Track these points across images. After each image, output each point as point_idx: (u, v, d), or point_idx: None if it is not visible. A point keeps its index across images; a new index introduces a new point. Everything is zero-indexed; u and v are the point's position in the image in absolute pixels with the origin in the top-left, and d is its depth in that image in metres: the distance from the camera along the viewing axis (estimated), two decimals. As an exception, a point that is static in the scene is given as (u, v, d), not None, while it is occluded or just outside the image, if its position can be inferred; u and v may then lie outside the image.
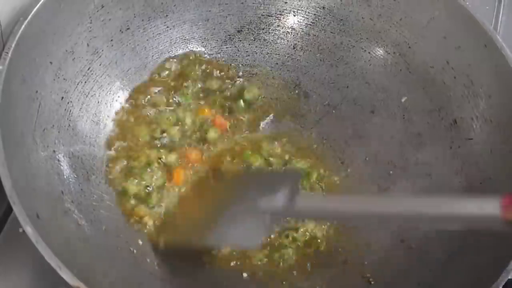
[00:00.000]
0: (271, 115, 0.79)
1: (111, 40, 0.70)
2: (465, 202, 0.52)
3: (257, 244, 0.65)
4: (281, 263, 0.68)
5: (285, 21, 0.80)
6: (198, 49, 0.78)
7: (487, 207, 0.49)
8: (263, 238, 0.65)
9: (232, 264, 0.67)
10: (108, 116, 0.69)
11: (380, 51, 0.77)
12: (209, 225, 0.63)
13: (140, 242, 0.64)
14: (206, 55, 0.78)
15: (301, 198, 0.60)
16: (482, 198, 0.51)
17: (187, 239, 0.65)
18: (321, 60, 0.79)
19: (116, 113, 0.71)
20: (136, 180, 0.67)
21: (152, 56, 0.75)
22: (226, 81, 0.78)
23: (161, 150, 0.70)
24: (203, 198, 0.69)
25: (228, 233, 0.62)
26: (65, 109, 0.64)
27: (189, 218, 0.67)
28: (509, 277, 0.54)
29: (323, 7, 0.78)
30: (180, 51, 0.77)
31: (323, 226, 0.71)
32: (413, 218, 0.55)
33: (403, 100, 0.75)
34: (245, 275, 0.66)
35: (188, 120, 0.74)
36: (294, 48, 0.80)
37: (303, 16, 0.79)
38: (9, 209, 0.63)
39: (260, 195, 0.61)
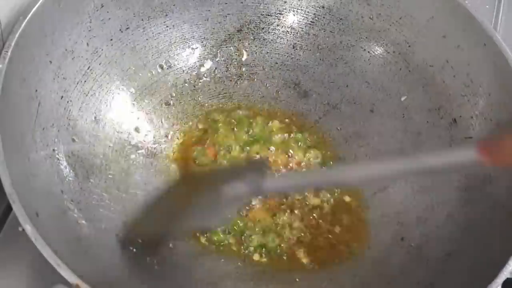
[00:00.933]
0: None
1: (111, 39, 0.70)
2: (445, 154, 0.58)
3: (216, 224, 0.68)
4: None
5: (285, 21, 0.80)
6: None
7: (464, 155, 0.54)
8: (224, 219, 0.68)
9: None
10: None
11: (379, 50, 0.77)
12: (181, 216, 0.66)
13: (140, 241, 0.64)
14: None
15: (268, 181, 0.64)
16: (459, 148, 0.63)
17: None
18: (320, 59, 0.79)
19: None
20: None
21: (152, 55, 0.75)
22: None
23: None
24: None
25: (194, 219, 0.66)
26: (64, 108, 0.64)
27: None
28: (508, 276, 0.54)
29: (323, 6, 0.78)
30: (180, 51, 0.77)
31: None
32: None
33: (402, 99, 0.75)
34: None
35: None
36: (293, 48, 0.80)
37: (302, 16, 0.79)
38: (9, 208, 0.63)
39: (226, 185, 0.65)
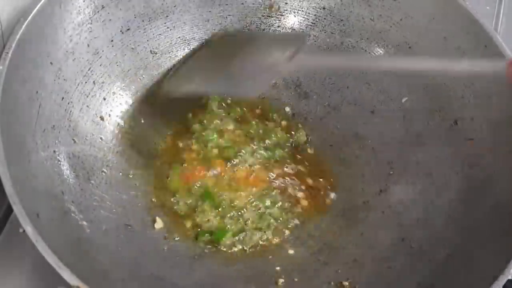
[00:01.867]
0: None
1: (112, 40, 0.70)
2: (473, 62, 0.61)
3: (253, 95, 0.74)
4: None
5: (286, 22, 0.80)
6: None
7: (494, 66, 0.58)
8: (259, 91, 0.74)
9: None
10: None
11: (380, 51, 0.77)
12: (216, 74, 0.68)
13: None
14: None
15: (302, 55, 0.65)
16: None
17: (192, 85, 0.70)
18: (321, 60, 0.79)
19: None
20: None
21: (153, 56, 0.75)
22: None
23: None
24: None
25: (231, 82, 0.67)
26: (65, 110, 0.64)
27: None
28: (509, 278, 0.54)
29: (324, 8, 0.78)
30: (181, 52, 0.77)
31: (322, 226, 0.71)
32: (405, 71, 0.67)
33: (403, 100, 0.75)
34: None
35: None
36: (294, 49, 0.80)
37: (303, 17, 0.79)
38: (10, 209, 0.63)
39: (265, 51, 0.67)
